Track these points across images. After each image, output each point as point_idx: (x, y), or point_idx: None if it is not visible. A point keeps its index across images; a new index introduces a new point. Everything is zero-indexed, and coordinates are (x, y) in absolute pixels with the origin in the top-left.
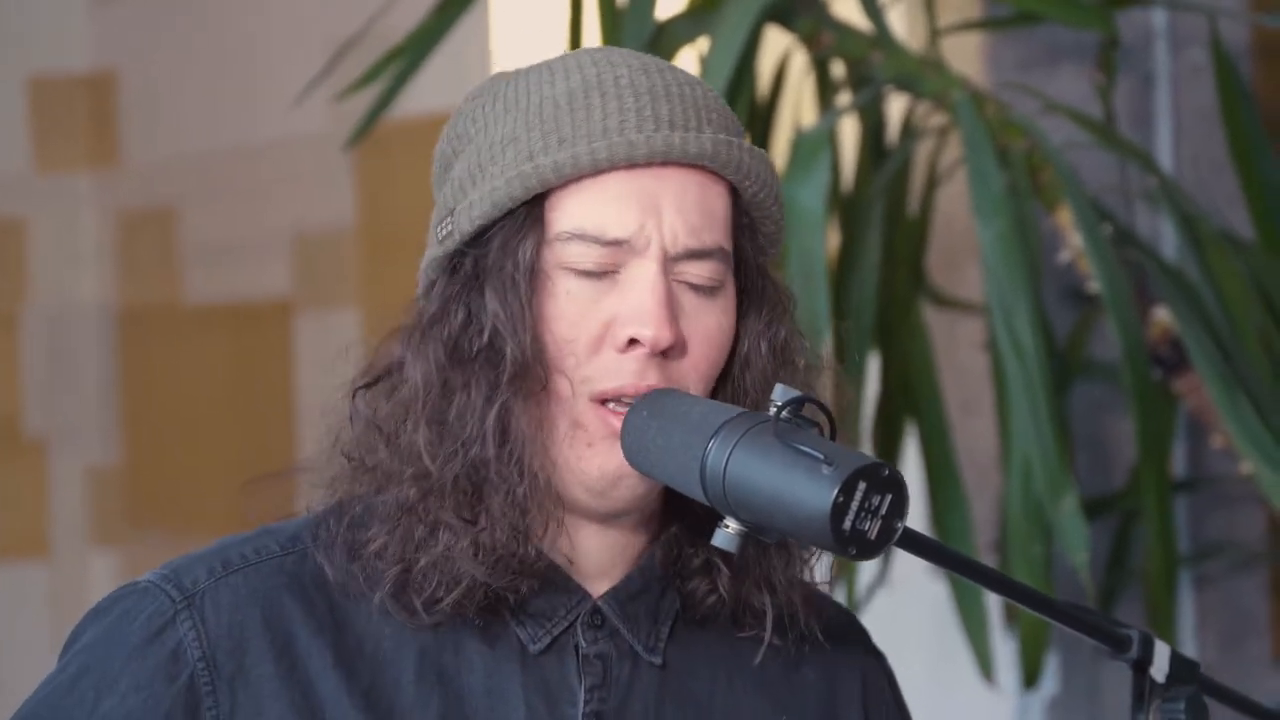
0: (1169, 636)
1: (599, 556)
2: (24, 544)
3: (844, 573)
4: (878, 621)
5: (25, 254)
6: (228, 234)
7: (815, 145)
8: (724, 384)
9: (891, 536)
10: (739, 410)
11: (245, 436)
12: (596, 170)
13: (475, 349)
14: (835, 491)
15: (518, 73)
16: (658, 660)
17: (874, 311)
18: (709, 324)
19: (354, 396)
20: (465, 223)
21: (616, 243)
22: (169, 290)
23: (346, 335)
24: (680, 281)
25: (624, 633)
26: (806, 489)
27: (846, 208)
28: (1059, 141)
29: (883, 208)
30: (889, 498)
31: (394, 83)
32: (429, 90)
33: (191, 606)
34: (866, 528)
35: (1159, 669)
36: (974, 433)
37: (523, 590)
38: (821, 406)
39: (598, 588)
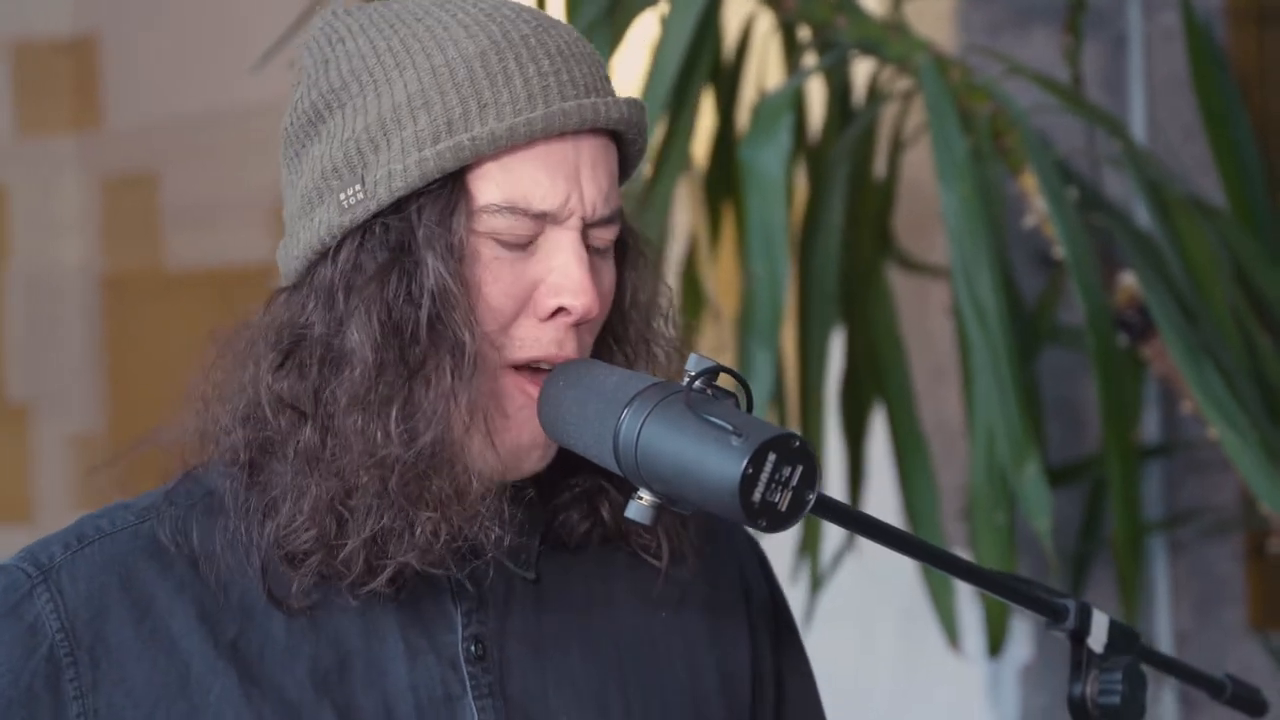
0: (1137, 603)
1: None
2: (7, 509)
3: (809, 544)
4: (848, 590)
5: (7, 219)
6: (211, 198)
7: (777, 110)
8: (603, 335)
9: (803, 508)
10: (653, 380)
11: None
12: (530, 141)
13: (421, 325)
14: (744, 463)
15: (379, 16)
16: (531, 575)
17: (837, 276)
18: (607, 283)
19: (270, 378)
20: (385, 192)
21: (543, 215)
22: (152, 255)
23: None
24: (588, 245)
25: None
26: (716, 461)
27: (812, 168)
28: (1027, 105)
29: (848, 171)
30: (800, 469)
31: None
32: None
33: (48, 580)
34: (777, 499)
35: (1097, 639)
36: (944, 400)
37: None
38: (737, 377)
39: None
